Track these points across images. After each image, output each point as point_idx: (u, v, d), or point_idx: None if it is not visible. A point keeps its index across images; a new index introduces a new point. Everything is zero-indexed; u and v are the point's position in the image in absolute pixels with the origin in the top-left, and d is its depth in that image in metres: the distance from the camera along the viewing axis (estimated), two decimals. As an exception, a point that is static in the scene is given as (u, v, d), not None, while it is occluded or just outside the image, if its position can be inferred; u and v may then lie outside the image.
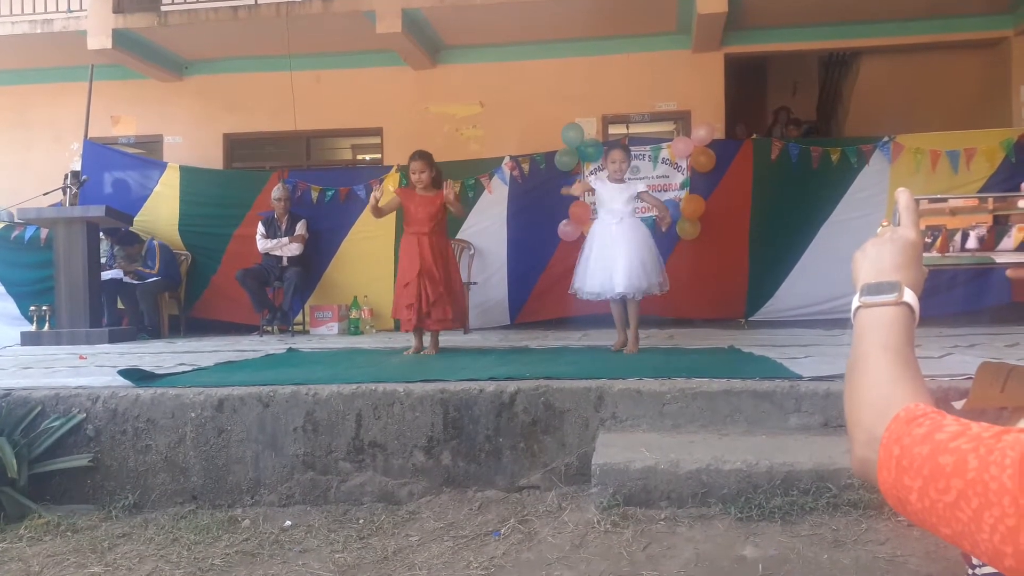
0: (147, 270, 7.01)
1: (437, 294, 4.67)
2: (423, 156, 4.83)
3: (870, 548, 2.27)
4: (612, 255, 4.54)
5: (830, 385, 3.04)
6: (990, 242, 0.95)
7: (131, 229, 7.16)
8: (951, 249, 0.95)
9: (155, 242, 7.12)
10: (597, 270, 4.61)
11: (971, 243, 0.95)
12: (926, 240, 0.86)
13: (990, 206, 0.96)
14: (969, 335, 5.14)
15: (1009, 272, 0.98)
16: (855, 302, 0.77)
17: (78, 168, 7.26)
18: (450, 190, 4.73)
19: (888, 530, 2.36)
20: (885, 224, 0.83)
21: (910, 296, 0.75)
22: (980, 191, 6.01)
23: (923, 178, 6.32)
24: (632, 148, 6.99)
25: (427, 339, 4.88)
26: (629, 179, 5.00)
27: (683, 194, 6.81)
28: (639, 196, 4.80)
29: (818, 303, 6.56)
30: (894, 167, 6.50)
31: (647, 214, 5.53)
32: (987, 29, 7.87)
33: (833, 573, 2.15)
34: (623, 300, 4.65)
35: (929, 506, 0.58)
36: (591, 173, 6.88)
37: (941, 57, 8.36)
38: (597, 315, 6.15)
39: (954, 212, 0.96)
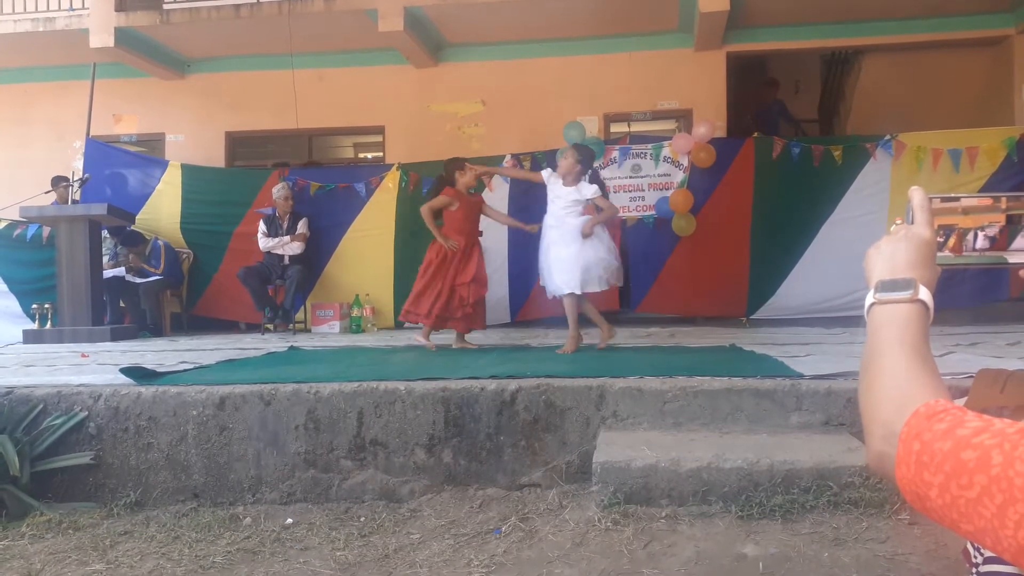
0: (152, 269, 7.02)
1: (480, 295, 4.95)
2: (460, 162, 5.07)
3: (871, 546, 2.27)
4: (548, 256, 4.59)
5: (831, 383, 3.04)
6: (1002, 242, 0.94)
7: (135, 229, 7.17)
8: (964, 249, 0.94)
9: (160, 242, 7.14)
10: (543, 269, 4.67)
11: (983, 242, 0.94)
12: (938, 239, 0.85)
13: (1003, 205, 0.95)
14: (970, 333, 5.13)
15: (1022, 272, 0.97)
16: (869, 298, 0.77)
17: (71, 172, 7.26)
18: (474, 175, 5.03)
19: (889, 528, 2.36)
20: (899, 222, 0.83)
21: (925, 294, 0.75)
22: (982, 190, 6.01)
23: (925, 177, 6.31)
24: (634, 146, 7.03)
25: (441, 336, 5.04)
26: (584, 184, 4.58)
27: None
28: (594, 202, 4.49)
29: (819, 301, 6.56)
30: (896, 166, 6.49)
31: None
32: (989, 27, 7.86)
33: (834, 571, 2.15)
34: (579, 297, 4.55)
35: (950, 502, 0.57)
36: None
37: (943, 56, 8.34)
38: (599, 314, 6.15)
39: (967, 211, 0.95)
